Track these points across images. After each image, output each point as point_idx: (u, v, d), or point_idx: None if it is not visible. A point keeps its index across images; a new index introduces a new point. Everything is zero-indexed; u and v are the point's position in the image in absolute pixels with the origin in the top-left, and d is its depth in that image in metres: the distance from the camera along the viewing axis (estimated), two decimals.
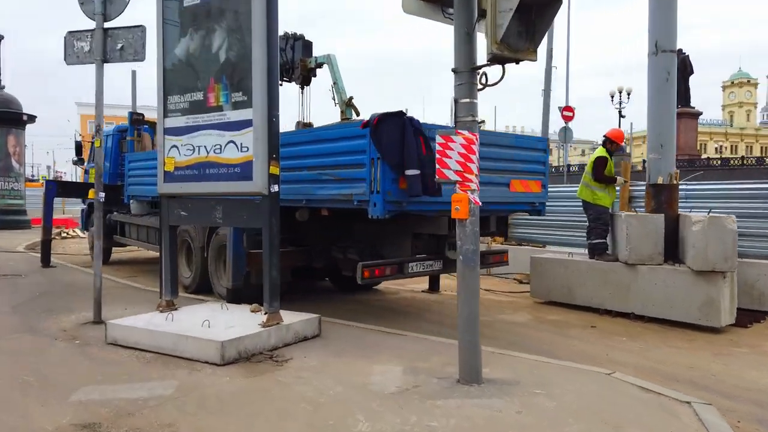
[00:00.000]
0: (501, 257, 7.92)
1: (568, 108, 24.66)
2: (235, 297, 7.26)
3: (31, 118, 21.87)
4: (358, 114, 8.83)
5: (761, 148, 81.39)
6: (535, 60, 4.19)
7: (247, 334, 5.23)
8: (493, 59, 4.09)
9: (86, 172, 14.14)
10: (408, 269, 6.87)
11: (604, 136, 8.41)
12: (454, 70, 4.44)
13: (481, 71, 4.37)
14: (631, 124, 38.00)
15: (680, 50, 29.99)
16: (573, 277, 8.16)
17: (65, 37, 6.74)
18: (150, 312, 6.33)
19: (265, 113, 5.47)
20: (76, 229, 21.36)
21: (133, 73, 24.37)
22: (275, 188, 5.54)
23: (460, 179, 4.38)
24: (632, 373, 5.12)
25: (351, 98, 8.79)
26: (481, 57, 4.31)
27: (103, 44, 6.48)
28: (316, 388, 4.43)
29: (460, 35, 4.41)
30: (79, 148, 13.82)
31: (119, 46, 6.45)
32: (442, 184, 4.47)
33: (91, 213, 13.44)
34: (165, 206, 6.26)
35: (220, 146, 5.76)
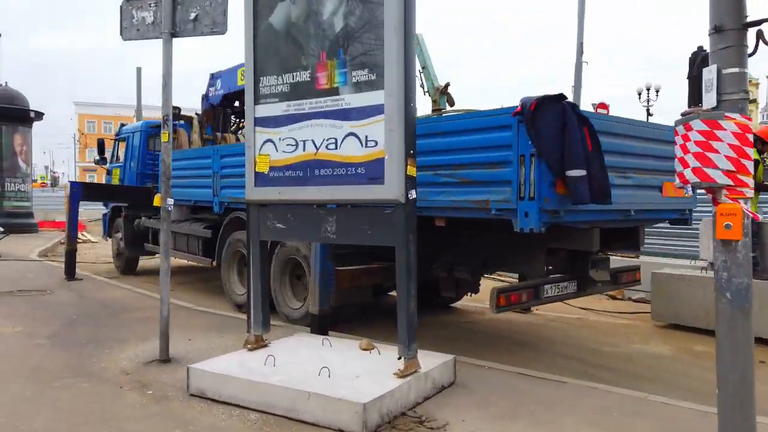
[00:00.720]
0: (633, 275, 6.62)
1: (602, 105, 23.25)
2: (321, 324, 5.96)
3: (39, 115, 20.45)
4: (452, 104, 7.35)
5: None
6: None
7: (388, 391, 3.91)
8: None
9: (108, 172, 12.81)
10: (543, 293, 5.56)
11: (754, 134, 7.04)
12: (716, 28, 3.15)
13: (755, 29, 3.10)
14: None
15: (701, 47, 29.00)
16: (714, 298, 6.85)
17: (121, 7, 5.43)
18: (232, 350, 5.04)
19: (402, 96, 4.15)
20: (86, 233, 19.97)
21: (138, 70, 23.04)
22: (413, 194, 4.22)
23: (732, 182, 3.08)
24: None
25: (447, 85, 7.26)
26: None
27: (171, 14, 5.16)
28: None
29: None
30: (101, 146, 12.46)
31: (192, 15, 5.13)
32: (702, 187, 3.18)
33: (115, 218, 12.11)
34: (254, 216, 4.93)
35: (336, 140, 4.44)
